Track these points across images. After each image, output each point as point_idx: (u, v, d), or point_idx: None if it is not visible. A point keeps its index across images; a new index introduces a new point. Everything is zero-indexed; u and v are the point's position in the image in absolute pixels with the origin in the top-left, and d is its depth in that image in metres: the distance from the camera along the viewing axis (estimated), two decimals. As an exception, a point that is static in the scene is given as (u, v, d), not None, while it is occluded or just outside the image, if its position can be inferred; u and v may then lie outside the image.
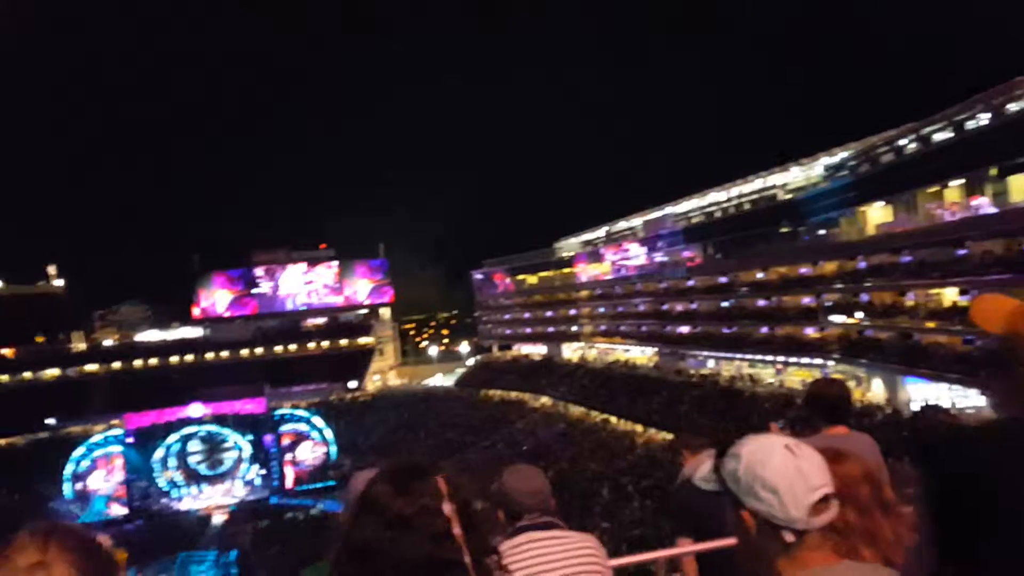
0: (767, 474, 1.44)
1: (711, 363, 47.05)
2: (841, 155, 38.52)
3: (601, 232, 65.54)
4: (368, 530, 1.32)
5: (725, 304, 44.92)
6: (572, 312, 63.42)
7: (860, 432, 4.06)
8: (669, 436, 41.07)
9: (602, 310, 59.98)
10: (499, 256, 76.25)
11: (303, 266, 78.22)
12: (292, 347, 73.41)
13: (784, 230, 41.53)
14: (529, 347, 70.27)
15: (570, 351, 64.34)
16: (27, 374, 62.63)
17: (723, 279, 45.34)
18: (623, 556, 3.94)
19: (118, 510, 46.46)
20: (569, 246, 69.11)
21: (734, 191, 48.86)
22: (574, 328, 63.04)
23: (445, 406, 62.07)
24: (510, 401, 59.63)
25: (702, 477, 1.60)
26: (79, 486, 46.53)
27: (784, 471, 1.43)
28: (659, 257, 53.24)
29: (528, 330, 69.84)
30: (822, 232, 38.38)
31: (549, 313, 66.78)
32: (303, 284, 78.14)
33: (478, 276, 77.97)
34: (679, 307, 50.23)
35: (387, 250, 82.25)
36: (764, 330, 40.99)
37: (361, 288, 79.47)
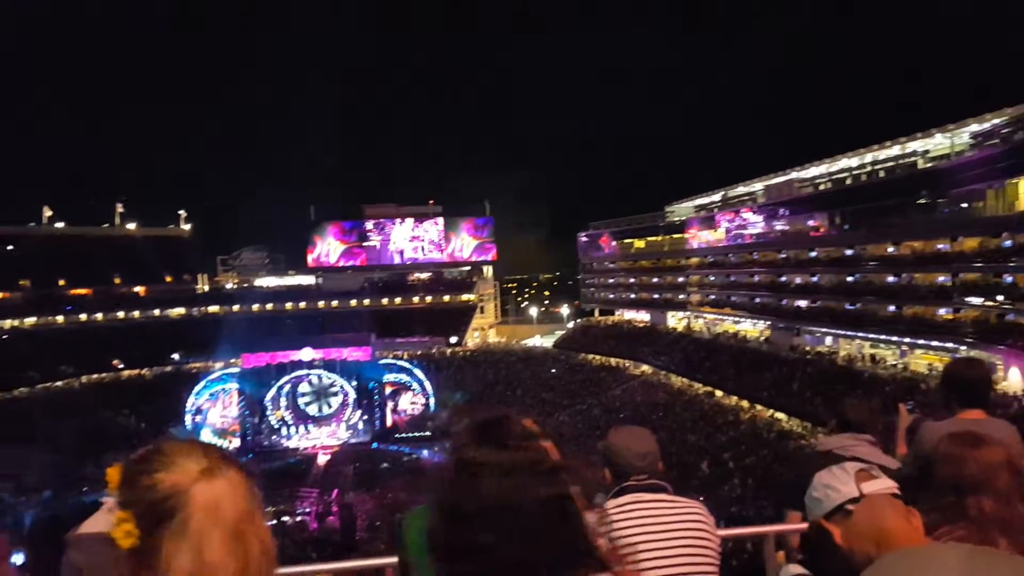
0: (814, 484, 1.85)
1: (828, 340, 44.39)
2: (993, 121, 34.49)
3: (717, 197, 62.35)
4: (477, 479, 1.26)
5: (849, 279, 42.21)
6: (680, 279, 61.09)
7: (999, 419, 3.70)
8: (779, 414, 39.20)
9: (713, 279, 57.38)
10: (606, 219, 74.44)
11: (411, 222, 79.60)
12: (397, 300, 75.21)
13: (921, 202, 38.36)
14: (632, 313, 68.61)
15: (675, 320, 62.20)
16: (156, 311, 67.09)
17: (849, 252, 42.48)
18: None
19: (232, 443, 49.46)
20: (681, 210, 66.29)
21: (868, 157, 45.05)
22: (681, 296, 60.78)
23: (542, 367, 61.82)
24: (609, 367, 58.58)
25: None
26: (198, 418, 49.78)
27: (824, 474, 1.84)
28: (780, 225, 50.23)
29: (632, 295, 68.08)
30: (964, 205, 35.44)
31: (655, 279, 64.72)
32: (410, 239, 79.64)
33: (583, 238, 76.56)
34: (798, 279, 47.52)
35: (493, 208, 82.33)
36: (891, 308, 38.49)
37: (466, 245, 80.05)
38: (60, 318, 61.25)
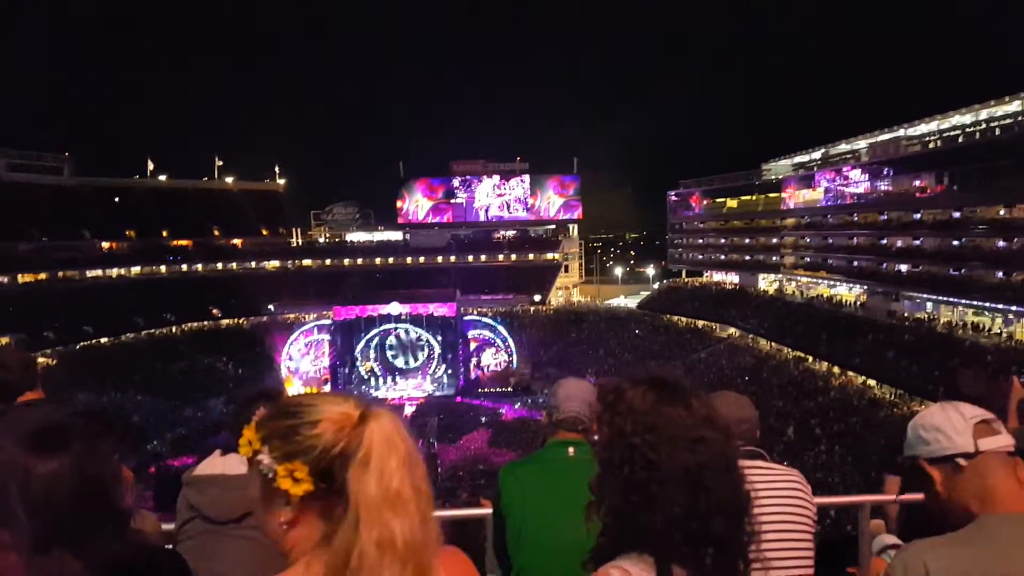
0: (924, 420, 1.67)
1: (929, 307, 42.18)
2: None
3: (817, 154, 59.06)
4: (632, 436, 1.34)
5: (955, 243, 39.87)
6: (774, 240, 58.65)
7: None
8: (871, 382, 37.56)
9: (808, 240, 54.80)
10: (698, 177, 72.02)
11: (496, 179, 79.52)
12: (483, 257, 75.73)
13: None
14: (720, 275, 66.58)
15: (766, 282, 59.94)
16: (252, 263, 69.67)
17: (956, 214, 40.05)
18: None
19: (324, 392, 51.78)
20: (779, 168, 63.21)
21: (983, 114, 41.63)
22: (774, 258, 58.40)
23: (626, 327, 61.19)
24: (695, 329, 57.37)
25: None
26: (292, 366, 52.28)
27: (938, 412, 1.66)
28: (883, 185, 47.24)
29: (722, 256, 65.99)
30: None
31: (747, 240, 62.42)
32: (496, 196, 79.64)
33: (673, 197, 74.43)
34: (900, 243, 44.85)
35: (580, 165, 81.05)
36: (999, 275, 36.30)
37: (552, 203, 79.40)
38: (163, 268, 64.33)
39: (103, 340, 52.04)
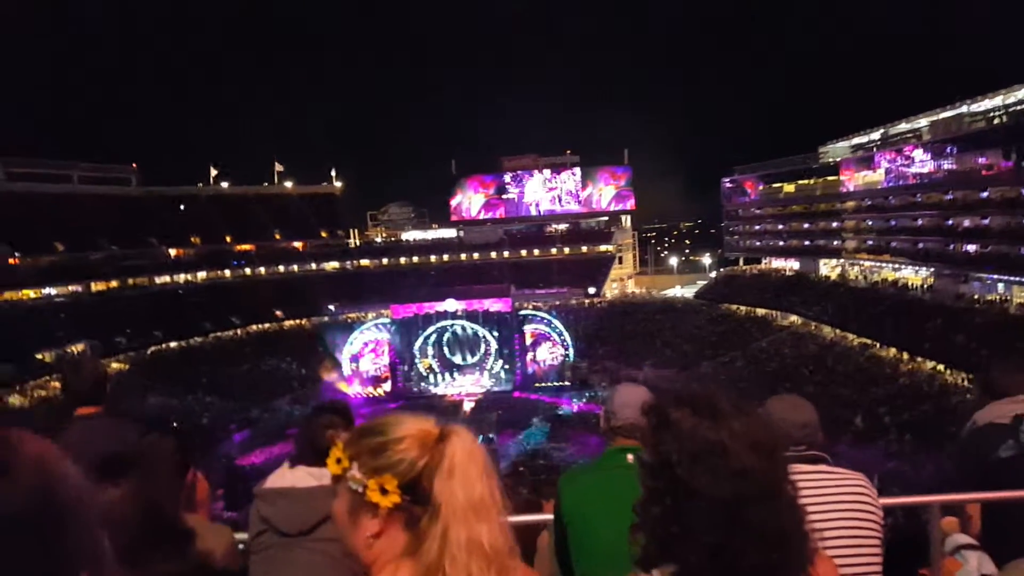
0: None
1: (1000, 288, 40.35)
2: None
3: (875, 135, 57.06)
4: (676, 466, 1.31)
5: None
6: (834, 225, 56.92)
7: None
8: (941, 367, 36.25)
9: (870, 223, 53.03)
10: (751, 163, 70.45)
11: (547, 172, 79.48)
12: (536, 251, 75.86)
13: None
14: (780, 261, 65.03)
15: (827, 268, 58.30)
16: (312, 265, 71.48)
17: None
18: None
19: (384, 389, 52.84)
20: (836, 151, 61.26)
21: (1051, 86, 39.42)
22: (835, 243, 56.71)
23: (683, 317, 60.45)
24: (754, 317, 56.26)
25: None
26: (353, 365, 53.46)
27: None
28: (947, 164, 45.42)
29: (780, 243, 64.43)
30: None
31: (806, 225, 60.72)
32: (547, 190, 79.67)
33: (727, 184, 72.99)
34: (967, 222, 43.12)
35: (631, 155, 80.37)
36: None
37: (603, 195, 78.96)
38: (227, 272, 66.19)
39: (172, 344, 54.28)
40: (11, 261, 51.34)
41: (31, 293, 51.93)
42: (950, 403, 32.19)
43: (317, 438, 2.64)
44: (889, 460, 29.90)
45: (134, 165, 68.52)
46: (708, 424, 1.33)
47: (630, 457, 2.57)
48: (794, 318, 52.51)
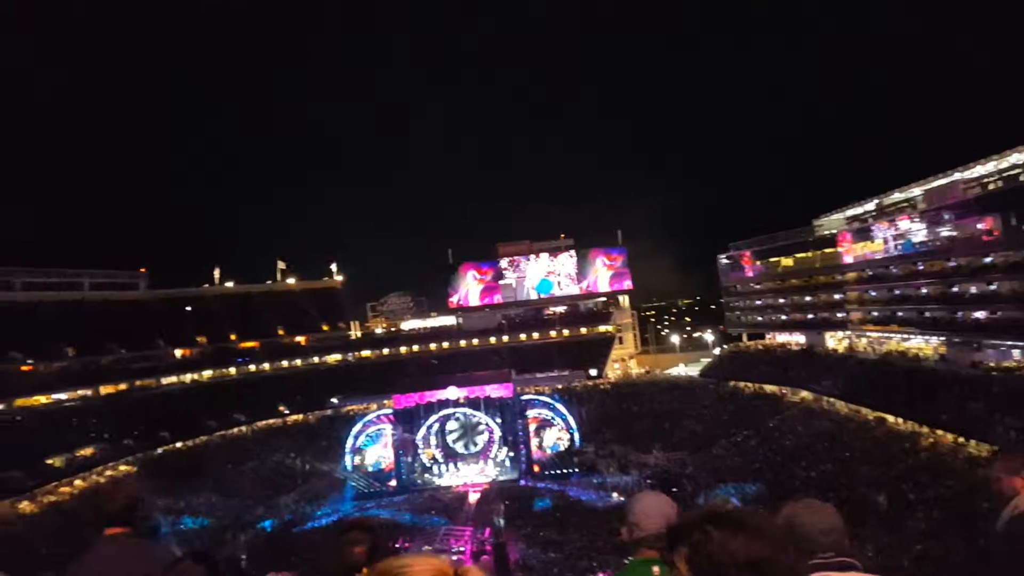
0: None
1: (1016, 354, 39.38)
2: None
3: (870, 206, 57.70)
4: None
5: None
6: (836, 296, 56.72)
7: None
8: (960, 439, 35.06)
9: (874, 294, 52.80)
10: (746, 238, 71.04)
11: (544, 257, 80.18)
12: (535, 335, 75.60)
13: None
14: (784, 336, 64.44)
15: (834, 341, 57.62)
16: (315, 359, 71.84)
17: None
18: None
19: (387, 482, 51.20)
20: (831, 223, 61.86)
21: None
22: (839, 315, 56.30)
23: (690, 397, 59.36)
24: (763, 395, 55.16)
25: None
26: (357, 459, 52.02)
27: None
28: (945, 231, 45.55)
29: (783, 317, 64.06)
30: None
31: (808, 298, 60.54)
32: (545, 274, 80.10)
33: (724, 260, 73.41)
34: (973, 289, 42.72)
35: (625, 236, 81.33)
36: None
37: (600, 276, 79.33)
38: (232, 370, 66.87)
39: (178, 444, 53.60)
40: (23, 368, 52.27)
41: (43, 399, 52.29)
42: (977, 476, 30.88)
43: (345, 555, 2.94)
44: (919, 541, 28.42)
45: (142, 270, 70.16)
46: (745, 540, 1.39)
47: (656, 569, 2.66)
48: (805, 394, 51.45)
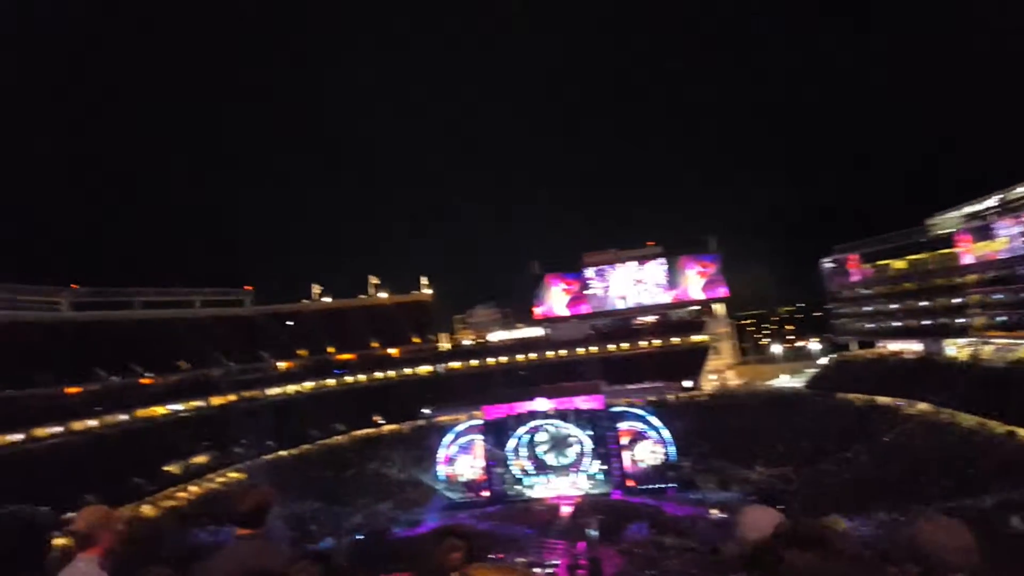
0: None
1: None
2: None
3: (992, 201, 53.00)
4: None
5: None
6: (956, 301, 52.32)
7: None
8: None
9: (999, 297, 48.28)
10: (851, 241, 66.92)
11: (632, 264, 78.49)
12: (624, 345, 73.93)
13: None
14: (898, 343, 59.94)
15: (955, 348, 53.03)
16: (407, 370, 73.54)
17: None
18: None
19: (479, 492, 51.04)
20: (947, 222, 57.27)
21: None
22: (959, 320, 51.87)
23: (794, 410, 56.10)
24: (875, 407, 51.42)
25: None
26: (449, 470, 52.15)
27: None
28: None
29: (896, 323, 59.77)
30: None
31: (924, 303, 56.20)
32: (632, 283, 78.40)
33: (828, 264, 69.40)
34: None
35: (719, 242, 78.23)
36: None
37: (692, 284, 76.77)
38: (331, 381, 69.64)
39: (282, 452, 56.15)
40: (143, 381, 56.30)
41: (161, 409, 56.20)
42: None
43: (441, 560, 3.08)
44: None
45: (248, 287, 73.91)
46: (816, 557, 1.52)
47: None
48: (923, 405, 47.54)
